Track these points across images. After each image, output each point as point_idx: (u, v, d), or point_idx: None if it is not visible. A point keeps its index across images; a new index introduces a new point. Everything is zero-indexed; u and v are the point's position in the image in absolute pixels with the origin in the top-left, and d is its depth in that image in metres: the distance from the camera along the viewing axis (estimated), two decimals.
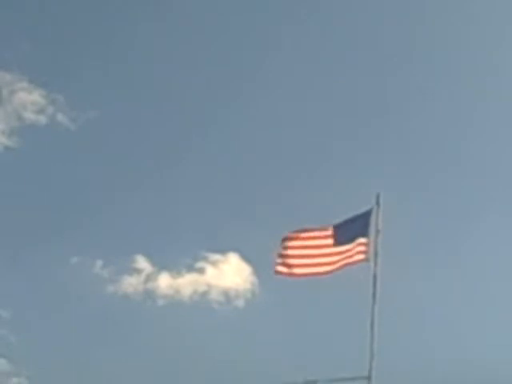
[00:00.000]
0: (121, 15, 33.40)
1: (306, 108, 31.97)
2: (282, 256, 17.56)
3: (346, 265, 17.43)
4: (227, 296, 29.94)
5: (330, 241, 17.42)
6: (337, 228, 17.46)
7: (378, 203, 17.49)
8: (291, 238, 17.60)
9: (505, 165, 30.86)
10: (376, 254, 17.22)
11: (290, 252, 17.57)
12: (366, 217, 17.38)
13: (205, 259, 30.32)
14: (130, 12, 33.30)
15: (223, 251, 30.10)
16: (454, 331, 25.75)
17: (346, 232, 17.42)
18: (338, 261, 17.45)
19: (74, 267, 29.99)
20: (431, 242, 28.45)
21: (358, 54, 32.56)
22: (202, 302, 29.93)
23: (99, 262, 30.03)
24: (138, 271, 30.25)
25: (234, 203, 30.91)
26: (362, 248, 17.25)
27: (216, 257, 30.35)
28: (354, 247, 17.30)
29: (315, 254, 17.45)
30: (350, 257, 17.35)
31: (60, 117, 31.63)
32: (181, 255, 30.18)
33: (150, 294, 30.09)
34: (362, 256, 17.28)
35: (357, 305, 18.31)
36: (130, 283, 30.04)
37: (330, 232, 17.47)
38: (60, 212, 31.06)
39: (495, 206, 29.65)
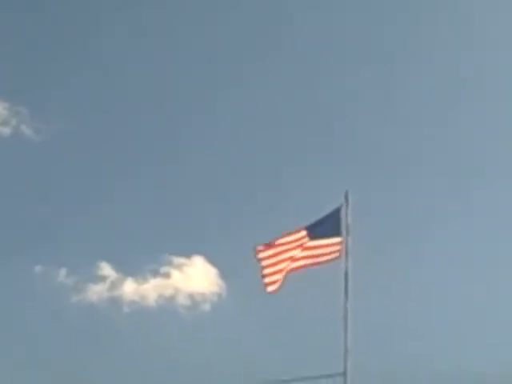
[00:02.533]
0: (87, 26, 33.45)
1: (273, 110, 32.25)
2: (266, 272, 17.58)
3: (322, 262, 17.55)
4: (194, 300, 29.91)
5: (305, 239, 17.57)
6: (309, 228, 17.58)
7: (346, 201, 17.67)
8: (264, 249, 17.65)
9: (470, 164, 31.43)
10: (346, 251, 17.42)
11: (267, 262, 17.61)
12: (336, 215, 17.52)
13: (169, 263, 30.30)
14: (97, 21, 33.44)
15: (188, 254, 30.12)
16: (427, 326, 26.07)
17: (318, 228, 17.56)
18: (314, 255, 17.58)
19: (37, 276, 29.84)
20: (400, 237, 28.77)
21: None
22: (168, 306, 29.87)
23: (63, 271, 29.90)
24: (103, 279, 30.13)
25: (196, 206, 31.02)
26: (337, 247, 17.39)
27: (181, 260, 30.34)
28: (328, 246, 17.41)
29: (291, 253, 17.55)
30: (325, 255, 17.46)
31: (24, 128, 31.80)
32: (145, 260, 30.14)
33: (115, 302, 29.98)
34: (337, 254, 17.45)
35: (328, 302, 18.43)
36: (95, 291, 29.89)
37: (303, 233, 17.61)
38: (22, 221, 30.89)
39: (460, 204, 30.13)
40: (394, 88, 32.76)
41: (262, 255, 17.51)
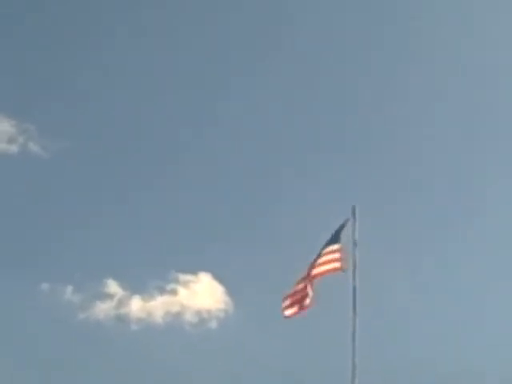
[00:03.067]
0: (91, 44, 33.59)
1: (280, 123, 32.31)
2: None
3: (324, 273, 17.51)
4: (200, 317, 29.82)
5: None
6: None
7: (353, 215, 17.62)
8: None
9: (478, 178, 31.42)
10: (354, 266, 17.32)
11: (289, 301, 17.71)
12: (339, 226, 17.50)
13: (176, 280, 30.24)
14: (100, 39, 33.66)
15: (194, 271, 30.08)
16: (435, 339, 25.92)
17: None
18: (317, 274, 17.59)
19: (44, 294, 29.79)
20: (407, 251, 28.74)
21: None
22: (175, 324, 29.78)
23: (70, 288, 29.85)
24: (110, 296, 30.07)
25: (202, 223, 30.98)
26: (336, 255, 17.33)
27: (187, 277, 30.27)
28: (327, 255, 17.37)
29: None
30: (327, 264, 17.41)
31: (31, 146, 31.90)
32: (151, 277, 30.09)
33: (122, 319, 29.90)
34: (337, 264, 17.37)
35: (336, 318, 18.37)
36: (102, 309, 29.83)
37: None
38: (30, 237, 30.86)
39: (467, 218, 30.10)
40: (399, 102, 32.89)
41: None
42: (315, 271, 17.42)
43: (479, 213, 30.12)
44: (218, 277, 29.45)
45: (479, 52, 32.67)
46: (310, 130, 32.06)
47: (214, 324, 29.60)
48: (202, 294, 30.17)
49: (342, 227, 17.44)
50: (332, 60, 32.99)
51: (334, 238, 17.38)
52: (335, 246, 17.37)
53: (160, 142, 32.77)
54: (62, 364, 27.74)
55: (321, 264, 17.41)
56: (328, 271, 17.43)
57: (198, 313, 29.83)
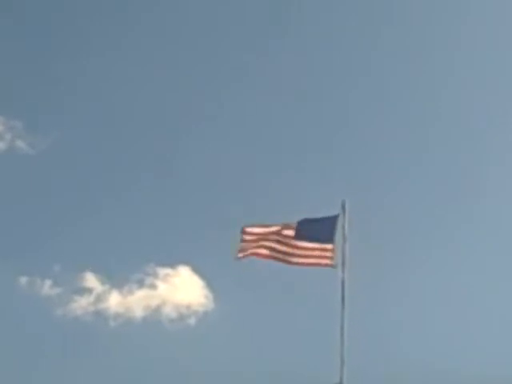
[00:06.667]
0: (76, 39, 33.41)
1: (268, 117, 32.26)
2: (243, 245, 17.59)
3: (312, 265, 17.49)
4: (180, 311, 29.67)
5: (292, 232, 17.52)
6: (300, 224, 17.53)
7: (343, 210, 17.61)
8: (251, 231, 17.65)
9: (471, 171, 31.50)
10: (343, 260, 17.32)
11: (249, 238, 17.63)
12: (332, 222, 17.46)
13: (154, 274, 30.08)
14: (96, 30, 33.52)
15: (173, 264, 29.93)
16: (424, 336, 26.09)
17: (309, 230, 17.50)
18: (301, 255, 17.53)
19: (22, 288, 29.56)
20: (397, 247, 28.83)
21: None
22: (154, 319, 29.62)
23: (48, 282, 29.66)
24: (89, 291, 29.90)
25: (181, 214, 30.93)
26: (329, 254, 17.31)
27: (166, 271, 30.13)
28: (319, 250, 17.35)
29: (277, 241, 17.51)
30: (317, 258, 17.39)
31: (19, 143, 31.81)
32: (130, 271, 29.92)
33: (101, 314, 29.74)
34: (328, 261, 17.35)
35: (323, 312, 18.33)
36: (81, 305, 29.70)
37: (293, 225, 17.58)
38: (9, 231, 30.65)
39: (459, 213, 30.26)
40: (389, 95, 32.99)
41: (247, 230, 17.58)
42: (302, 260, 17.42)
43: (473, 206, 30.30)
44: (198, 270, 29.42)
45: (478, 52, 32.91)
46: (298, 125, 32.11)
47: (193, 319, 29.54)
48: (181, 288, 30.05)
49: (334, 223, 17.38)
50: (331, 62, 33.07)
51: (330, 237, 17.33)
52: (329, 246, 17.35)
53: (146, 137, 32.72)
54: (39, 359, 27.62)
55: (307, 256, 17.42)
56: (317, 264, 17.44)
57: (178, 307, 29.74)
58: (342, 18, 33.73)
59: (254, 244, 17.65)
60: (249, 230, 17.73)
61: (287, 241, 17.54)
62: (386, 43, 33.33)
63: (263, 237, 17.60)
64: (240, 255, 17.64)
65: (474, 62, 32.63)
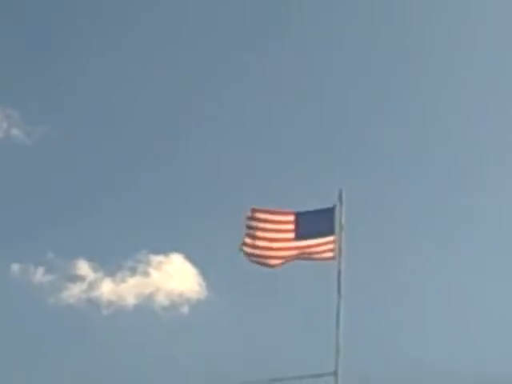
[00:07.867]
0: (74, 31, 33.36)
1: (265, 110, 32.25)
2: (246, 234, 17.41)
3: (313, 259, 17.48)
4: (173, 299, 29.71)
5: (291, 234, 17.43)
6: (299, 219, 17.45)
7: (340, 200, 17.62)
8: (253, 217, 17.52)
9: (469, 165, 31.62)
10: (340, 251, 17.33)
11: (249, 231, 17.51)
12: (330, 214, 17.44)
13: (147, 262, 30.09)
14: (94, 24, 33.46)
15: (166, 252, 29.93)
16: (420, 326, 26.20)
17: (309, 226, 17.45)
18: (295, 255, 17.48)
19: (15, 275, 29.52)
20: (395, 237, 28.88)
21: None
22: (147, 306, 29.65)
23: (41, 269, 29.64)
24: (81, 278, 29.90)
25: (174, 201, 30.96)
26: (331, 246, 17.30)
27: (159, 258, 30.14)
28: (321, 244, 17.34)
29: (274, 239, 17.44)
30: (317, 253, 17.38)
31: (15, 132, 31.85)
32: (123, 258, 29.99)
33: (93, 302, 29.77)
34: (330, 254, 17.33)
35: (319, 302, 18.36)
36: (73, 292, 29.71)
37: (292, 219, 17.47)
38: (2, 217, 30.62)
39: (456, 206, 30.23)
40: (389, 87, 33.03)
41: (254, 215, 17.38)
42: (307, 256, 17.40)
43: (471, 198, 30.28)
44: (191, 258, 29.44)
45: (478, 52, 32.95)
46: (298, 125, 32.16)
47: (186, 307, 29.58)
48: (174, 276, 30.08)
49: (332, 214, 17.38)
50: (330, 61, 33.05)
51: (330, 229, 17.32)
52: (331, 238, 17.34)
53: (146, 137, 32.78)
54: (32, 348, 27.66)
55: (311, 253, 17.41)
56: (320, 259, 17.45)
57: (171, 295, 29.76)
58: (342, 18, 33.76)
59: (257, 242, 17.44)
60: (256, 214, 17.48)
61: (288, 245, 17.46)
62: (386, 43, 33.35)
63: (264, 234, 17.43)
64: (247, 250, 17.45)
65: (474, 62, 32.64)
